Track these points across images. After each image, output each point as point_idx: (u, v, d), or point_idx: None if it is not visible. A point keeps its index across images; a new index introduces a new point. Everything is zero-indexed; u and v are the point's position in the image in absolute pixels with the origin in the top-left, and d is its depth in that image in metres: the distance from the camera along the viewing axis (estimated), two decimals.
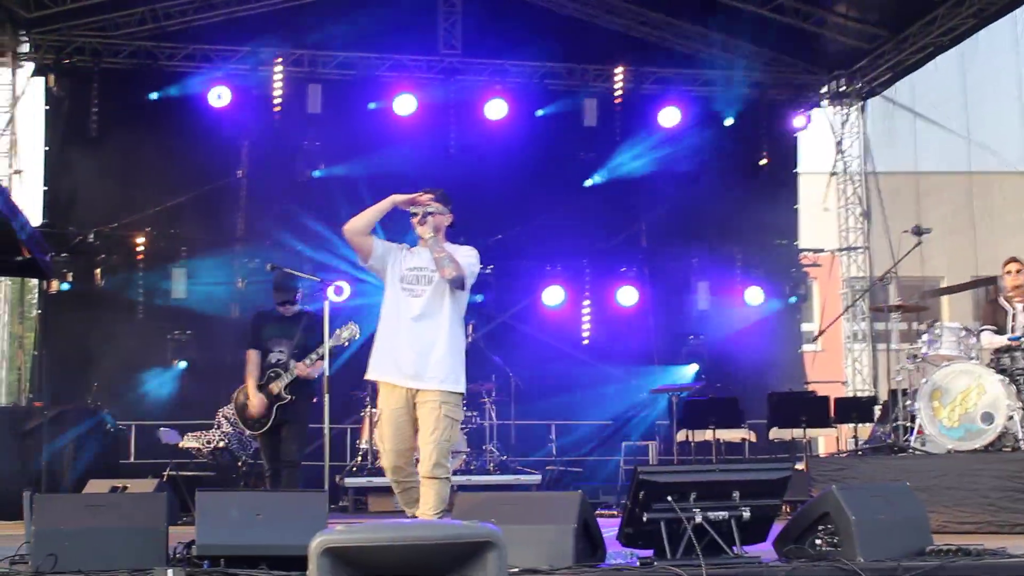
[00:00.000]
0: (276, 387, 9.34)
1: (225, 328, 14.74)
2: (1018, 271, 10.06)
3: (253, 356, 9.51)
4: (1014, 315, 9.95)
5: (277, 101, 15.61)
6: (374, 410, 12.80)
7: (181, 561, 5.57)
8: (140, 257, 15.45)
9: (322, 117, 15.68)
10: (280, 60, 15.67)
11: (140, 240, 15.44)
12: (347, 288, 14.25)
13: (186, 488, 10.47)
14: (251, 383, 9.42)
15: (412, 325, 7.04)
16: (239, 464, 12.24)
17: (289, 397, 9.30)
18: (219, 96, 15.36)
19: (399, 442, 6.97)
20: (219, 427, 12.39)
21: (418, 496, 6.95)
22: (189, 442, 12.56)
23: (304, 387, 9.43)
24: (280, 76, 15.66)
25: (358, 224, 7.25)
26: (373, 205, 7.30)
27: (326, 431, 8.30)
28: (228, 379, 12.70)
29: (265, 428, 9.39)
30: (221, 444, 12.27)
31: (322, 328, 9.09)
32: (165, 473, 11.71)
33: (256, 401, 9.34)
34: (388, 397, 7.02)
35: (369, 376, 7.15)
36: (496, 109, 16.03)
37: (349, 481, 12.43)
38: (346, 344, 9.32)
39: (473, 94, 16.18)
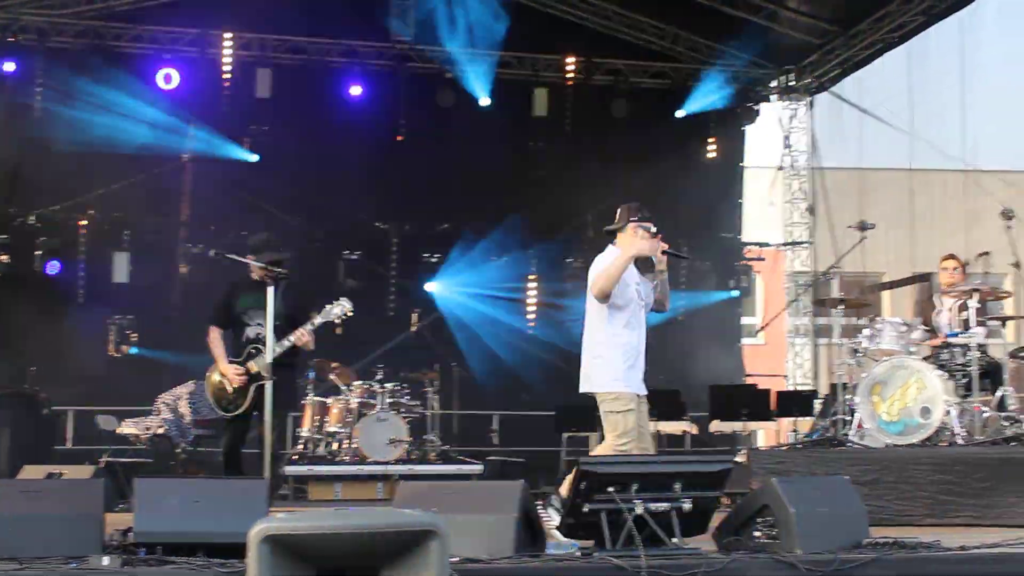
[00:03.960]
0: (255, 366, 8.50)
1: (167, 314, 14.60)
2: (954, 268, 10.21)
3: (217, 334, 8.70)
4: (940, 311, 10.11)
5: (226, 85, 15.45)
6: (316, 398, 12.81)
7: (118, 548, 5.52)
8: (82, 240, 15.26)
9: (271, 102, 15.52)
10: (229, 43, 15.52)
11: (83, 223, 15.26)
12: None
13: (124, 475, 10.34)
14: (222, 360, 8.61)
15: (643, 338, 7.57)
16: (177, 451, 12.12)
17: (272, 377, 8.14)
18: (167, 78, 15.19)
19: None
20: (158, 414, 12.26)
21: None
22: (127, 428, 12.42)
23: (285, 370, 8.52)
24: (229, 60, 15.51)
25: (608, 286, 7.41)
26: (615, 264, 7.42)
27: (268, 418, 8.11)
28: (168, 366, 12.59)
29: (242, 410, 8.57)
30: (160, 431, 12.14)
31: (304, 298, 8.78)
32: (102, 459, 11.54)
33: (234, 373, 8.51)
34: (639, 407, 7.47)
35: (625, 389, 7.41)
36: (446, 96, 15.96)
37: (290, 469, 12.36)
38: (336, 322, 8.69)
39: (424, 81, 16.11)
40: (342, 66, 15.96)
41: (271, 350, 8.18)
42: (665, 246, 7.52)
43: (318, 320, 8.55)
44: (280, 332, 8.36)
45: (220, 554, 5.22)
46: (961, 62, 15.87)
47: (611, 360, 7.45)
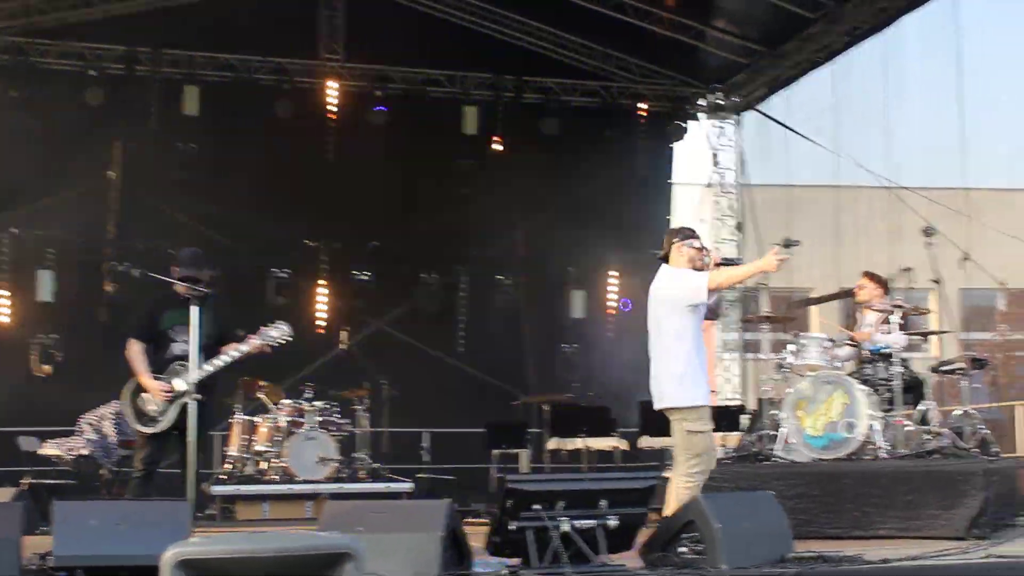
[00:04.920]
0: (182, 384, 8.19)
1: (91, 333, 14.39)
2: (861, 288, 10.42)
3: (139, 347, 8.35)
4: (860, 327, 10.28)
5: (153, 102, 15.30)
6: (244, 417, 12.70)
7: (36, 573, 5.43)
8: (4, 258, 15.01)
9: (199, 119, 15.38)
10: (156, 60, 15.37)
11: (4, 240, 15.00)
12: None
13: (48, 497, 10.14)
14: (146, 375, 8.25)
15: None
16: (102, 472, 11.94)
17: (198, 397, 8.04)
18: (93, 95, 15.00)
19: None
20: (82, 434, 12.06)
21: None
22: (50, 449, 12.20)
23: (208, 390, 8.32)
24: (157, 76, 15.35)
25: (726, 284, 7.97)
26: (740, 271, 8.15)
27: (192, 437, 7.99)
28: (93, 385, 12.36)
29: (161, 428, 8.23)
30: (84, 452, 11.95)
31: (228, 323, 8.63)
32: (24, 481, 11.34)
33: (159, 389, 8.19)
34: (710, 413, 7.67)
35: (703, 402, 7.57)
36: (376, 114, 15.92)
37: (217, 489, 12.22)
38: (273, 344, 8.42)
39: (354, 99, 16.08)
40: (271, 83, 15.87)
41: (194, 368, 8.05)
42: (718, 258, 7.82)
43: (256, 341, 8.40)
44: (208, 351, 8.22)
45: None
46: (884, 82, 16.14)
47: (692, 375, 7.57)
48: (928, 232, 10.12)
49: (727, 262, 7.80)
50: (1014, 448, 13.15)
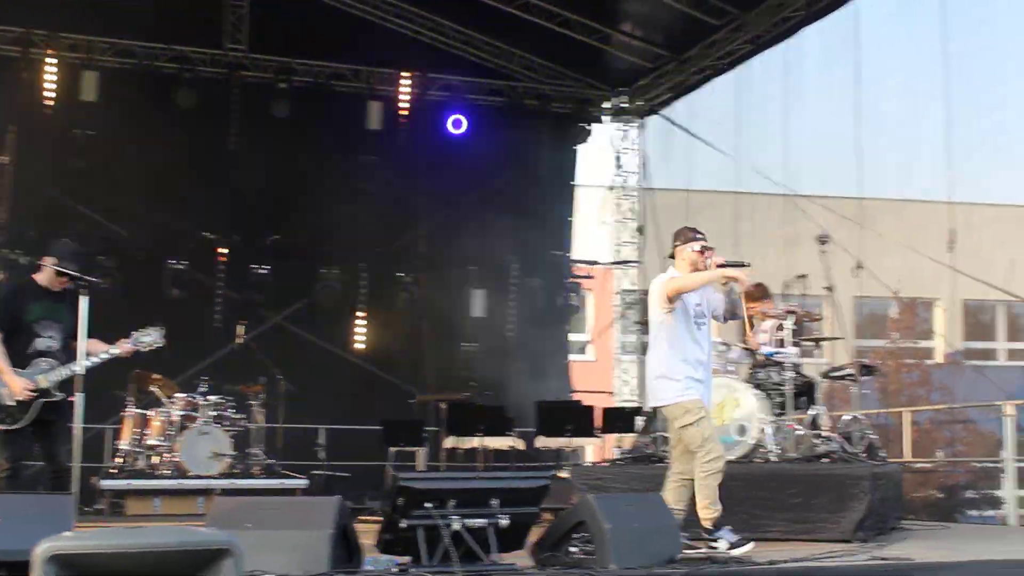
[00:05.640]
0: (45, 380, 7.78)
1: None
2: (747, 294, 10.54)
3: None
4: (757, 332, 10.41)
5: (49, 87, 14.96)
6: (137, 411, 12.49)
7: None
8: None
9: (97, 106, 15.04)
10: (53, 43, 15.03)
11: None
12: None
13: None
14: (8, 371, 7.71)
15: (708, 352, 7.88)
16: None
17: (60, 396, 7.75)
18: None
19: None
20: None
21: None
22: None
23: (69, 386, 7.90)
24: (54, 61, 15.02)
25: (684, 290, 7.70)
26: (694, 279, 7.74)
27: (78, 431, 7.80)
28: None
29: (21, 424, 7.74)
30: None
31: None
32: None
33: (22, 387, 7.69)
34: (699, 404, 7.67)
35: (681, 399, 7.60)
36: (281, 107, 15.74)
37: (105, 483, 12.00)
38: (144, 350, 8.11)
39: (257, 91, 15.88)
40: (173, 71, 15.59)
41: (82, 360, 7.75)
42: (721, 259, 7.78)
43: (128, 345, 8.06)
44: (66, 348, 7.89)
45: (22, 572, 5.01)
46: (784, 90, 16.37)
47: (668, 374, 7.67)
48: (822, 240, 10.30)
49: (730, 265, 7.78)
50: (901, 453, 13.43)
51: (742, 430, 9.34)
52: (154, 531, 3.99)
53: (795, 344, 9.91)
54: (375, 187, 16.00)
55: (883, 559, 7.14)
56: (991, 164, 18.05)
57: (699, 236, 7.80)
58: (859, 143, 16.30)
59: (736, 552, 7.08)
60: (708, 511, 7.47)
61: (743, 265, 7.74)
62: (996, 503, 14.02)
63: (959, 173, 15.72)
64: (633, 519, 6.49)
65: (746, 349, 10.13)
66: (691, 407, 7.60)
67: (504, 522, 6.07)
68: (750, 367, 10.05)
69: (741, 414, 9.36)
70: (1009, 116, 18.53)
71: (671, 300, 7.63)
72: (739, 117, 16.99)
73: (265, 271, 15.70)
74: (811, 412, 9.71)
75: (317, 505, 6.19)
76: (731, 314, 8.01)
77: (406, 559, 6.02)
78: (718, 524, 7.48)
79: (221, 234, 15.77)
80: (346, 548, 6.09)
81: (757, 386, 9.62)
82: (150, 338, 8.12)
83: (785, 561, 6.85)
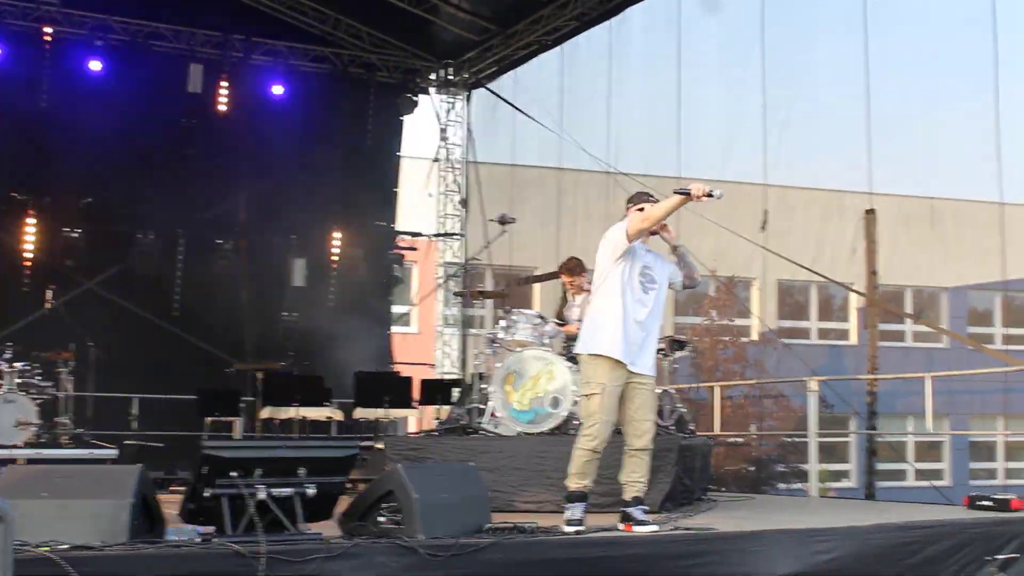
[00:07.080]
0: None
1: None
2: (563, 268, 10.69)
3: None
4: (571, 306, 10.59)
5: None
6: None
7: None
8: None
9: None
10: None
11: None
12: None
13: None
14: None
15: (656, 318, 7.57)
16: None
17: None
18: None
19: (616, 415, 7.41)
20: None
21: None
22: None
23: None
24: None
25: (646, 226, 7.44)
26: (661, 206, 7.41)
27: None
28: None
29: None
30: None
31: None
32: None
33: None
34: (612, 372, 7.32)
35: (598, 351, 7.35)
36: (95, 65, 15.23)
37: None
38: None
39: (71, 48, 15.32)
40: None
41: None
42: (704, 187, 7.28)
43: None
44: None
45: None
46: (609, 69, 16.59)
47: (604, 326, 7.41)
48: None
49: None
50: (712, 427, 13.82)
51: (556, 402, 9.48)
52: None
53: None
54: (196, 152, 15.66)
55: (686, 529, 7.34)
56: (803, 149, 18.55)
57: (652, 199, 7.61)
58: (679, 123, 16.64)
59: (569, 529, 7.01)
60: (571, 479, 7.41)
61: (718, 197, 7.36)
62: (804, 476, 14.60)
63: (773, 157, 16.13)
64: (442, 489, 6.53)
65: (559, 323, 10.28)
66: (596, 372, 7.35)
67: (311, 491, 6.04)
68: (563, 340, 10.19)
69: (555, 386, 9.49)
70: (820, 104, 19.09)
71: (629, 243, 7.39)
72: (564, 93, 17.18)
73: (77, 234, 15.20)
74: None
75: (117, 474, 6.05)
76: (690, 280, 7.85)
77: (210, 529, 5.94)
78: (577, 498, 7.31)
79: (31, 196, 15.19)
80: (148, 518, 5.98)
81: (571, 359, 9.75)
82: None
83: (591, 531, 7.00)
